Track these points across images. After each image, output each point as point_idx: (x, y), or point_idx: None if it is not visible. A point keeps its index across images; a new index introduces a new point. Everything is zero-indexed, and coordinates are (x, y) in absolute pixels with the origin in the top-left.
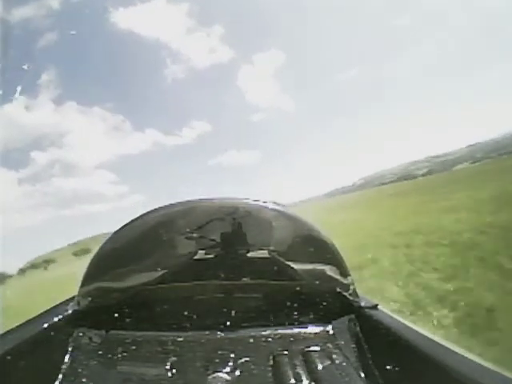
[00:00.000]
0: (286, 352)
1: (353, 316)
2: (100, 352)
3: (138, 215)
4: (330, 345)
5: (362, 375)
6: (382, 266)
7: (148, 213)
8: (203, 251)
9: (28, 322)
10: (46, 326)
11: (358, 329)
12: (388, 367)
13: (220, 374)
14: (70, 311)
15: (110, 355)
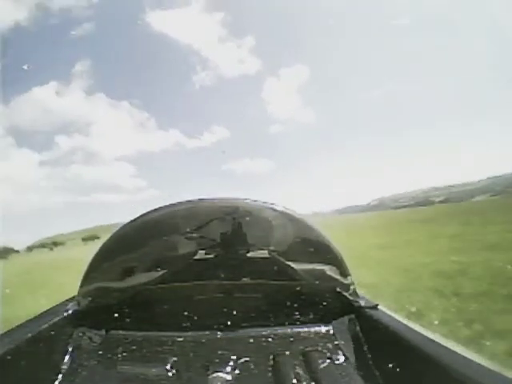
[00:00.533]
0: (286, 352)
1: (353, 316)
2: (100, 352)
3: (137, 215)
4: (329, 345)
5: (362, 375)
6: (430, 324)
7: (148, 213)
8: (203, 251)
9: (28, 322)
10: (45, 325)
11: (358, 329)
12: (388, 367)
13: (220, 374)
14: (70, 311)
15: (109, 355)
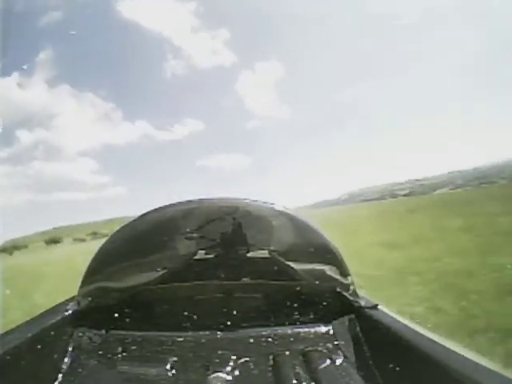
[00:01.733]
0: (286, 352)
1: (353, 316)
2: (100, 352)
3: (137, 215)
4: (329, 345)
5: (362, 375)
6: None
7: (148, 213)
8: (203, 251)
9: (28, 322)
10: (45, 325)
11: (358, 329)
12: (388, 367)
13: (220, 374)
14: (70, 311)
15: (110, 355)
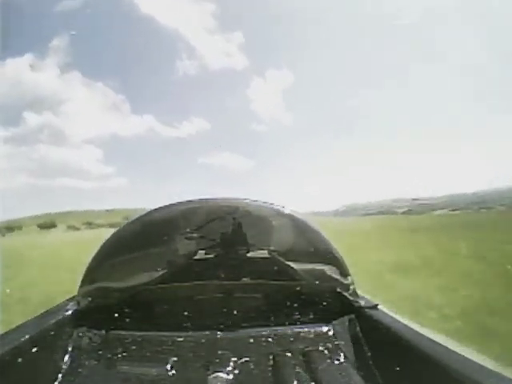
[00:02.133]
0: (286, 352)
1: (353, 316)
2: (100, 352)
3: (137, 215)
4: (329, 345)
5: (362, 375)
6: None
7: (148, 213)
8: (203, 251)
9: (28, 322)
10: (46, 326)
11: (358, 329)
12: (388, 367)
13: (220, 374)
14: (70, 311)
15: (109, 355)
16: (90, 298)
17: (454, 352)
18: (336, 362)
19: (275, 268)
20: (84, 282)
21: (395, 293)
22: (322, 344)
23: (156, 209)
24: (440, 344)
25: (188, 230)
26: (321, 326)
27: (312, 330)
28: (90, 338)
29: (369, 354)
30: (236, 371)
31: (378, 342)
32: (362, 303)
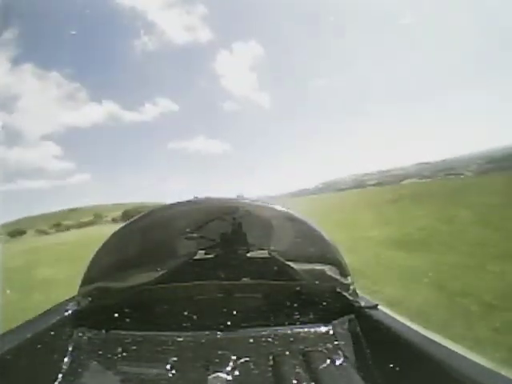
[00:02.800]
0: (286, 352)
1: (353, 316)
2: (100, 352)
3: (136, 216)
4: (329, 345)
5: (362, 375)
6: None
7: (148, 213)
8: (203, 251)
9: (28, 322)
10: (46, 326)
11: (358, 329)
12: (388, 367)
13: (220, 374)
14: (70, 311)
15: (109, 355)
16: (89, 298)
17: (454, 352)
18: (336, 362)
19: (275, 268)
20: (84, 282)
21: (407, 277)
22: (321, 344)
23: (156, 209)
24: (440, 344)
25: (188, 230)
26: (321, 326)
27: (312, 330)
28: (90, 338)
29: (369, 354)
30: (236, 371)
31: (378, 342)
32: (362, 303)
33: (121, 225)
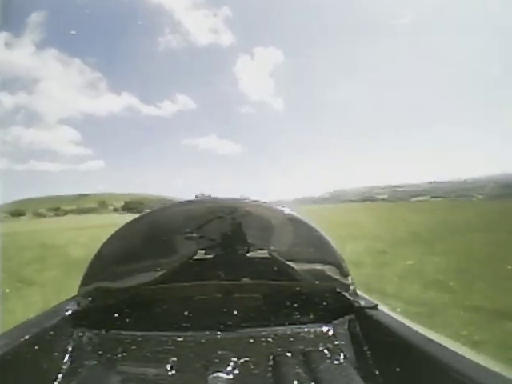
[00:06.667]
0: (286, 352)
1: (353, 316)
2: (100, 352)
3: (137, 216)
4: (329, 345)
5: (362, 375)
6: None
7: (148, 213)
8: (203, 251)
9: (28, 321)
10: (46, 326)
11: (358, 329)
12: (388, 367)
13: (220, 374)
14: (70, 311)
15: (109, 355)
16: (90, 298)
17: (454, 352)
18: (336, 362)
19: (275, 268)
20: (84, 282)
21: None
22: (322, 344)
23: (156, 209)
24: (440, 344)
25: (188, 229)
26: (321, 326)
27: (312, 330)
28: (90, 338)
29: (369, 354)
30: (236, 371)
31: (378, 342)
32: (362, 303)
33: (119, 215)
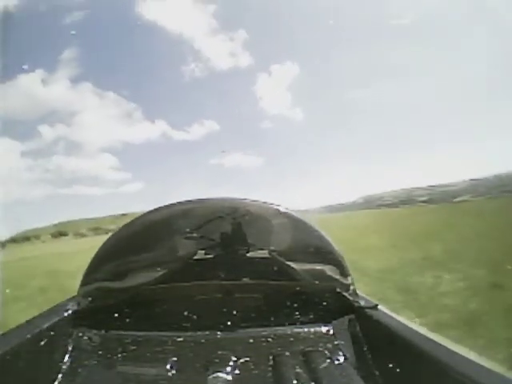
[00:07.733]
0: (286, 352)
1: (353, 316)
2: (100, 352)
3: (136, 216)
4: (329, 345)
5: (362, 375)
6: None
7: (148, 213)
8: (203, 251)
9: (28, 322)
10: (46, 326)
11: (358, 329)
12: (388, 367)
13: (220, 374)
14: (70, 311)
15: (109, 355)
16: (90, 298)
17: (453, 352)
18: (336, 362)
19: (275, 268)
20: (84, 282)
21: None
22: (321, 344)
23: (156, 209)
24: (440, 344)
25: (188, 230)
26: (321, 326)
27: (312, 330)
28: (90, 338)
29: (369, 354)
30: (236, 371)
31: (378, 342)
32: (362, 303)
33: None
